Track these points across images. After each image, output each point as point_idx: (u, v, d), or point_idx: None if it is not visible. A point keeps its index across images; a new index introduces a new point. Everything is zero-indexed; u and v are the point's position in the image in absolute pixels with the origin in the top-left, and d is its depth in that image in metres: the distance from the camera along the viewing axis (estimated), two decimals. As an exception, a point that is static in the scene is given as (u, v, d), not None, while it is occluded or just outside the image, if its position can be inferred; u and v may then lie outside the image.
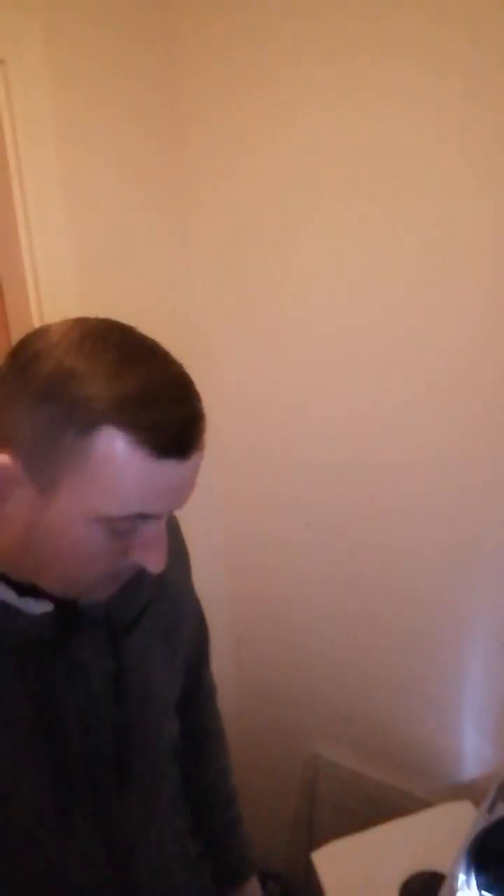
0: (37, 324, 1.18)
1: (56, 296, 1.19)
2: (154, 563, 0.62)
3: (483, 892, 0.94)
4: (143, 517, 0.59)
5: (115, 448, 0.54)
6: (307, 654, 1.54)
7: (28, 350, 0.58)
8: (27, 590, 0.64)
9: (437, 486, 1.27)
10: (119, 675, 0.70)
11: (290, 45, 1.22)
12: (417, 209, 1.17)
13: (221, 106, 1.33)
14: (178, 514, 0.73)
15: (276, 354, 1.38)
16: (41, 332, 0.59)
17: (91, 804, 0.69)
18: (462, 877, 0.97)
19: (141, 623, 0.73)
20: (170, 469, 0.56)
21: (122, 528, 0.59)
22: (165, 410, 0.56)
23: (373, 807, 1.46)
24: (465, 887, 0.95)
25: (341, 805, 1.54)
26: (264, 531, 1.50)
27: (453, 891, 0.96)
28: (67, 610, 0.65)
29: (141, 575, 0.66)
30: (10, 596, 0.63)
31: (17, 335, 1.27)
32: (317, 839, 1.27)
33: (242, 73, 1.29)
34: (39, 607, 0.64)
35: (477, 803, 1.24)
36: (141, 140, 1.33)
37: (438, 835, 1.21)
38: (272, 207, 1.33)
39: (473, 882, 0.96)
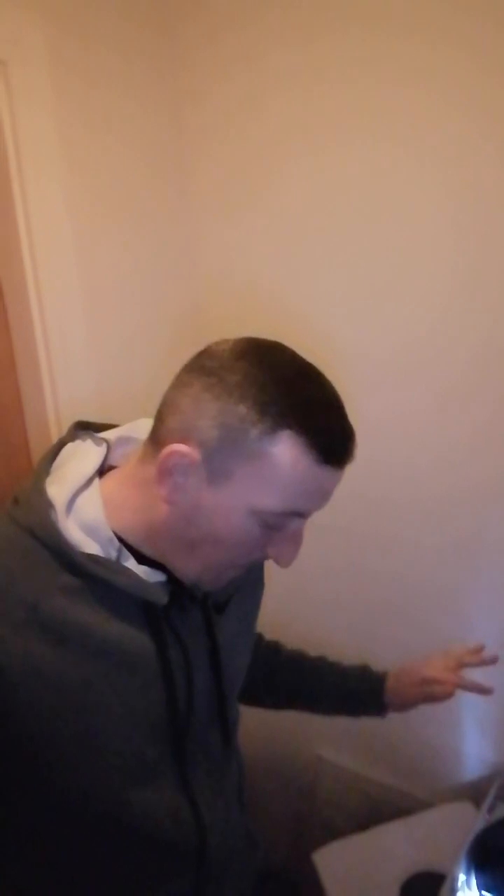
0: (37, 322, 1.19)
1: (57, 289, 1.20)
2: (287, 558, 0.71)
3: (483, 892, 0.95)
4: (295, 515, 0.67)
5: (290, 450, 0.63)
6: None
7: (215, 360, 0.66)
8: (144, 560, 0.71)
9: (440, 488, 1.27)
10: (216, 652, 0.77)
11: (283, 23, 1.22)
12: (420, 192, 1.16)
13: (217, 82, 1.33)
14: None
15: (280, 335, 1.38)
16: (221, 346, 0.67)
17: (172, 759, 0.75)
18: (462, 877, 0.97)
19: (228, 607, 0.81)
20: (327, 474, 0.65)
21: (273, 522, 0.67)
22: (332, 422, 0.65)
23: (373, 807, 1.46)
24: (465, 887, 0.96)
25: (342, 805, 1.54)
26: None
27: (453, 891, 0.96)
28: (175, 584, 0.72)
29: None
30: (132, 563, 0.70)
31: (17, 333, 1.27)
32: (317, 839, 1.27)
33: (237, 51, 1.29)
34: (153, 576, 0.71)
35: (477, 803, 1.24)
36: (143, 135, 1.34)
37: (438, 835, 1.21)
38: (266, 181, 1.33)
39: (473, 882, 0.96)
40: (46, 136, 1.15)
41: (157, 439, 0.67)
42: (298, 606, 1.49)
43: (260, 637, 1.05)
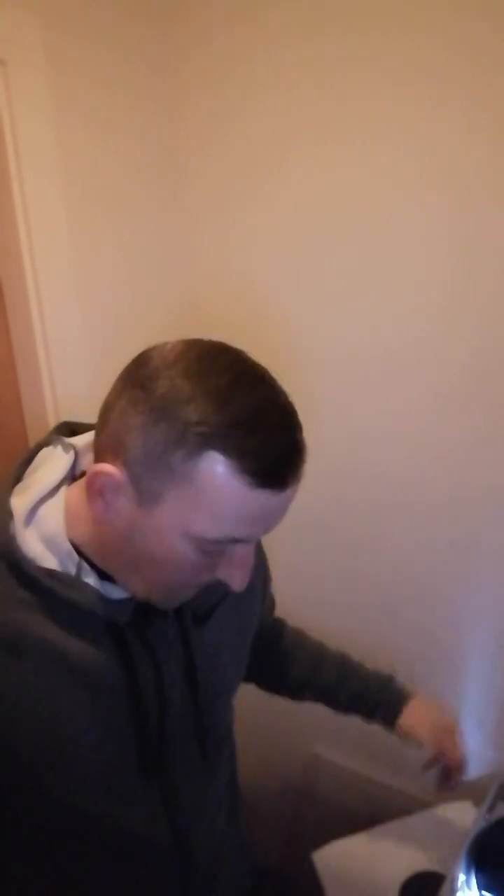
0: (36, 321, 1.19)
1: (56, 287, 1.20)
2: (238, 583, 0.66)
3: (483, 892, 0.94)
4: (234, 541, 0.62)
5: (216, 473, 0.57)
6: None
7: (146, 368, 0.60)
8: (107, 576, 0.68)
9: (436, 491, 1.27)
10: (192, 666, 0.74)
11: (279, 22, 1.22)
12: (417, 192, 1.16)
13: (214, 83, 1.33)
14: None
15: (277, 339, 1.38)
16: (158, 351, 0.62)
17: (159, 773, 0.74)
18: (462, 877, 0.96)
19: (214, 616, 0.77)
20: (265, 498, 0.59)
21: (211, 549, 0.62)
22: (267, 441, 0.58)
23: (373, 807, 1.46)
24: (465, 887, 0.95)
25: (341, 805, 1.54)
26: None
27: (453, 891, 0.96)
28: (141, 601, 0.69)
29: None
30: (93, 579, 0.67)
31: (16, 331, 1.27)
32: (317, 839, 1.27)
33: (233, 50, 1.29)
34: (117, 593, 0.68)
35: (477, 803, 1.24)
36: (142, 136, 1.33)
37: (438, 835, 1.20)
38: (262, 180, 1.33)
39: (473, 882, 0.95)
40: (44, 135, 1.15)
41: (95, 451, 0.63)
42: (294, 607, 1.49)
43: (282, 625, 1.05)
